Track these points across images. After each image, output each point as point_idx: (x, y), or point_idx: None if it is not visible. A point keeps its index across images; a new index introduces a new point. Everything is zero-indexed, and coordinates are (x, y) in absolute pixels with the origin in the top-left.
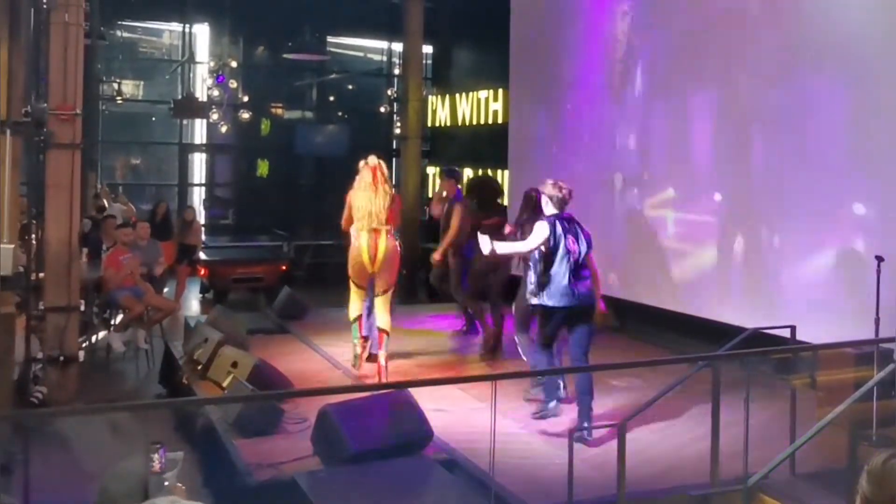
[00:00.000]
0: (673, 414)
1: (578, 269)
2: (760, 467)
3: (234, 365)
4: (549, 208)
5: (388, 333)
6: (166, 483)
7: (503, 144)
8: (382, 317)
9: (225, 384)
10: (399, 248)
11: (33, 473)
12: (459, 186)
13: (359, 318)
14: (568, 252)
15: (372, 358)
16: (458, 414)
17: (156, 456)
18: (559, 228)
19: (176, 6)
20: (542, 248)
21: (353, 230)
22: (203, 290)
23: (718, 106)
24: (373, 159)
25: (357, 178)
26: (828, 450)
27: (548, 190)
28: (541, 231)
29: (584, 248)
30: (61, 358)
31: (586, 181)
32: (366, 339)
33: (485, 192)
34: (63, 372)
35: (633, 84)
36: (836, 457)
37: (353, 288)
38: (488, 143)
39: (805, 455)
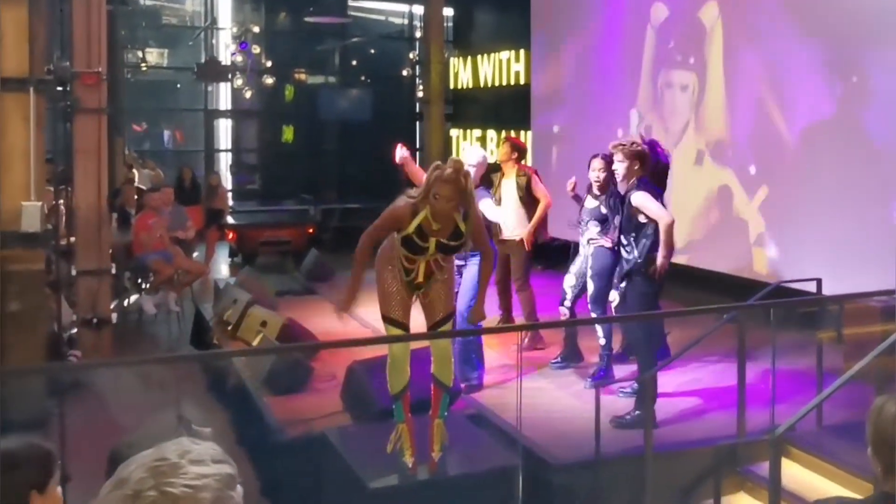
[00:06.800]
0: (699, 367)
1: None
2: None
3: (264, 324)
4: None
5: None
6: None
7: (526, 106)
8: None
9: (255, 343)
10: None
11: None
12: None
13: None
14: None
15: None
16: (485, 369)
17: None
18: None
19: None
20: None
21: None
22: (232, 254)
23: (748, 66)
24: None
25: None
26: (854, 403)
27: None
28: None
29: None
30: (94, 321)
31: (609, 141)
32: None
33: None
34: (97, 334)
35: (657, 42)
36: (861, 410)
37: None
38: (511, 105)
39: (832, 408)
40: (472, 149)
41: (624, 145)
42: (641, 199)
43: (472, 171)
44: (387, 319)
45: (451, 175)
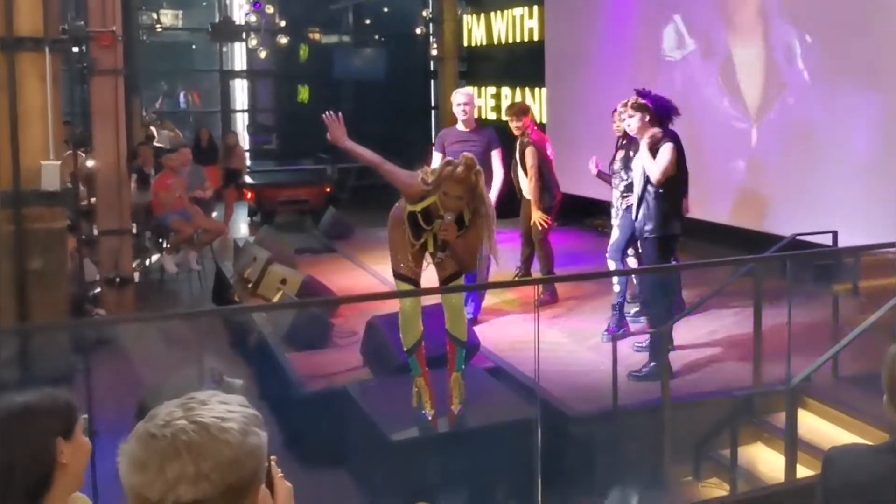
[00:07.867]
0: (716, 320)
1: None
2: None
3: (284, 282)
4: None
5: None
6: None
7: (540, 63)
8: None
9: (275, 300)
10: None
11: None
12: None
13: None
14: None
15: None
16: (503, 324)
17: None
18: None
19: None
20: None
21: None
22: (251, 214)
23: (767, 10)
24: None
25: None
26: (870, 354)
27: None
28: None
29: None
30: (117, 280)
31: (625, 97)
32: None
33: None
34: (119, 293)
35: None
36: (877, 361)
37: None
38: (525, 62)
39: (848, 359)
40: (461, 89)
41: (626, 103)
42: (660, 155)
43: (469, 109)
44: (397, 275)
45: (462, 174)
